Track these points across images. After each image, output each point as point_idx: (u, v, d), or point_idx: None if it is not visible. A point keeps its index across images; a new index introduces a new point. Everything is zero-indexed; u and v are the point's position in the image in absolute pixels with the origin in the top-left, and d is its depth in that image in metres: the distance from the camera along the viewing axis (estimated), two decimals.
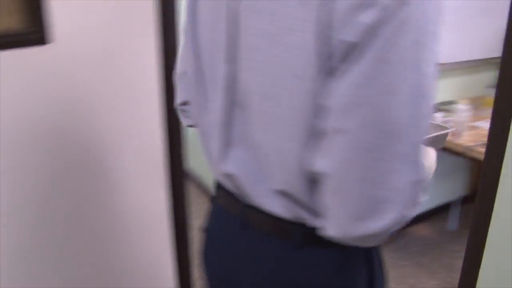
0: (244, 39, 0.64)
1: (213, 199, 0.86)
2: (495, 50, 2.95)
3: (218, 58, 0.70)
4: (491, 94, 2.63)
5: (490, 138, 1.26)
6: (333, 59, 0.54)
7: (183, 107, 0.91)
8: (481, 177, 1.30)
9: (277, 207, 0.69)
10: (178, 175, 1.68)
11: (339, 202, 0.58)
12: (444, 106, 2.57)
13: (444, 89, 2.75)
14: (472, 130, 2.21)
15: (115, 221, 1.60)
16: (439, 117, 2.22)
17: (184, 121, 0.94)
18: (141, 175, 1.61)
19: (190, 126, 0.92)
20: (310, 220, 0.67)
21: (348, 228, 0.58)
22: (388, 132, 0.53)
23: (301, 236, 0.69)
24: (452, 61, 2.67)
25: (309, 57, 0.55)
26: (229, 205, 0.78)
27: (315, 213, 0.66)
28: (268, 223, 0.71)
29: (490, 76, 3.09)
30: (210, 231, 0.86)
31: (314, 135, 0.60)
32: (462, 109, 2.11)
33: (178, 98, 0.92)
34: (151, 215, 1.68)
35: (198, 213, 2.86)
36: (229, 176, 0.73)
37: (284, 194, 0.67)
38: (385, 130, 0.53)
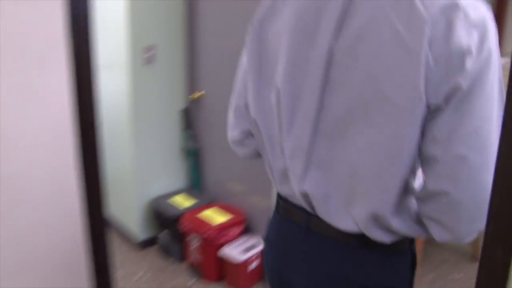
0: (340, 75, 0.77)
1: (277, 211, 0.99)
2: None
3: (309, 91, 0.81)
4: None
5: None
6: (439, 99, 0.69)
7: (242, 138, 1.01)
8: None
9: (347, 224, 0.82)
10: (98, 224, 1.54)
11: (457, 214, 0.73)
12: None
13: None
14: None
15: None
16: None
17: (241, 151, 1.04)
18: (55, 225, 1.44)
19: (246, 156, 1.04)
20: (381, 234, 0.81)
21: (462, 232, 0.75)
22: (490, 153, 0.70)
23: (359, 240, 0.82)
24: None
25: (416, 94, 0.69)
26: (294, 215, 0.92)
27: (389, 229, 0.80)
28: (330, 230, 0.85)
29: None
30: (273, 238, 1.00)
31: (415, 160, 0.75)
32: None
33: (236, 130, 1.01)
34: (69, 267, 1.50)
35: (123, 263, 2.65)
36: (305, 194, 0.85)
37: (371, 215, 0.78)
38: (488, 152, 0.70)
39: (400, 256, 0.86)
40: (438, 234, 0.77)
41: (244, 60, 0.96)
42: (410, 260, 0.88)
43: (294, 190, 0.88)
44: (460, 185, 0.71)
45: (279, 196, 0.98)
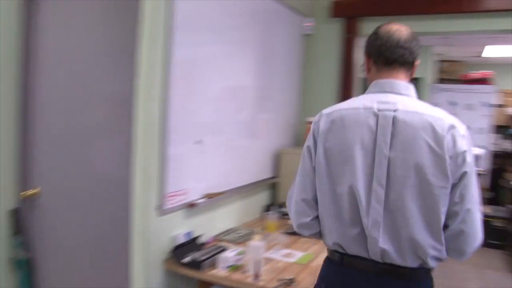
0: (395, 172, 1.32)
1: (341, 264, 1.41)
2: (266, 172, 3.08)
3: (377, 185, 1.33)
4: (268, 216, 2.71)
5: None
6: (456, 179, 1.31)
7: (312, 223, 1.46)
8: None
9: (412, 262, 1.35)
10: None
11: (468, 241, 1.33)
12: (234, 239, 2.46)
13: (224, 217, 2.66)
14: (266, 263, 2.11)
15: None
16: (230, 256, 2.05)
17: (308, 232, 1.48)
18: None
19: (312, 235, 1.49)
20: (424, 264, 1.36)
21: (469, 253, 1.35)
22: (478, 204, 1.35)
23: (410, 273, 1.35)
24: (231, 187, 2.63)
25: (446, 178, 1.30)
26: (361, 266, 1.37)
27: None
28: (393, 271, 1.35)
29: (265, 196, 3.18)
30: (337, 282, 1.43)
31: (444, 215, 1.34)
32: (257, 245, 1.99)
33: (307, 217, 1.46)
34: None
35: None
36: (382, 250, 1.33)
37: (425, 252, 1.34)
38: (478, 203, 1.34)
39: (430, 280, 1.41)
40: (455, 256, 1.37)
41: (306, 163, 1.46)
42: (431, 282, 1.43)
43: (371, 248, 1.34)
44: (469, 225, 1.32)
45: (342, 254, 1.40)
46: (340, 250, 1.40)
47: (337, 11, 3.39)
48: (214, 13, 2.30)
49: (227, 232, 2.57)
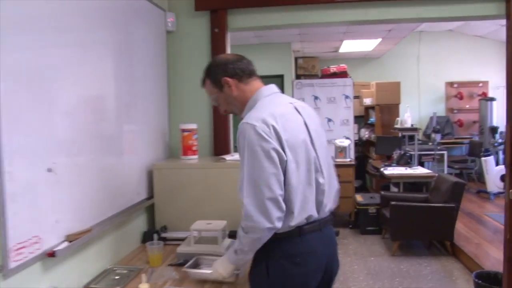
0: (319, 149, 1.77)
1: (312, 231, 1.71)
2: (140, 193, 2.61)
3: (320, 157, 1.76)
4: (150, 246, 2.25)
5: None
6: None
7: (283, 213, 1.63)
8: None
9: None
10: None
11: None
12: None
13: (96, 258, 2.15)
14: None
15: None
16: None
17: (280, 224, 1.61)
18: None
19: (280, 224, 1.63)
20: None
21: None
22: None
23: None
24: (100, 219, 2.12)
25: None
26: (326, 224, 1.78)
27: None
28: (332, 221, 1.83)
29: (142, 222, 2.71)
30: (317, 246, 1.73)
31: None
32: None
33: (281, 211, 1.61)
34: None
35: None
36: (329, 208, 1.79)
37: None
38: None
39: None
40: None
41: (274, 162, 1.60)
42: None
43: (327, 209, 1.78)
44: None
45: (309, 222, 1.70)
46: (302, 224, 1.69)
47: (201, 3, 3.06)
48: (58, 11, 1.78)
49: (102, 276, 2.07)
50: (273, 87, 1.83)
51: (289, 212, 1.63)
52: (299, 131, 1.69)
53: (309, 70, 8.81)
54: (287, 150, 1.61)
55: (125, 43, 2.41)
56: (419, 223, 4.86)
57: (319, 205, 1.72)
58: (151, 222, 2.75)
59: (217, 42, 3.04)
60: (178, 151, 2.92)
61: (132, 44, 2.49)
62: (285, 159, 1.60)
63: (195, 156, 2.86)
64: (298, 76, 8.05)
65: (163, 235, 2.55)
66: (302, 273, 1.66)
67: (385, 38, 7.22)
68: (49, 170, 1.72)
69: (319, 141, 1.76)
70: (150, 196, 2.71)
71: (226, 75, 1.79)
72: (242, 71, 1.79)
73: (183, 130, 2.84)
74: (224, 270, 1.77)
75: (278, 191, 1.58)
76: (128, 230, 2.48)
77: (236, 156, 2.83)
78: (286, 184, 1.61)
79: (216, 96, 1.86)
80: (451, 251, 4.92)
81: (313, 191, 1.70)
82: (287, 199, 1.62)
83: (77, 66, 1.93)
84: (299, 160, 1.65)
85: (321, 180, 1.71)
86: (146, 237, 2.57)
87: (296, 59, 8.29)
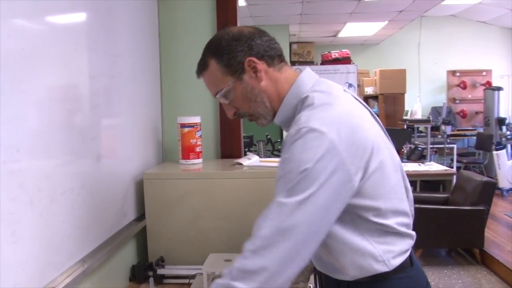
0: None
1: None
2: (128, 213, 1.87)
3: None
4: None
5: None
6: None
7: None
8: None
9: None
10: None
11: None
12: None
13: None
14: None
15: None
16: None
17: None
18: None
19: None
20: None
21: None
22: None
23: None
24: (75, 260, 1.39)
25: None
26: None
27: None
28: None
29: (131, 253, 1.98)
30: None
31: None
32: None
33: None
34: None
35: None
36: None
37: None
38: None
39: None
40: None
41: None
42: None
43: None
44: None
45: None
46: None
47: None
48: None
49: None
50: (312, 72, 1.23)
51: None
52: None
53: (304, 56, 8.14)
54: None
55: (103, 9, 1.67)
56: (443, 228, 4.26)
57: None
58: (142, 252, 2.01)
59: (225, 5, 2.31)
60: (176, 152, 2.20)
61: (111, 12, 1.75)
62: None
63: (199, 160, 2.14)
64: (292, 63, 7.36)
65: (160, 271, 1.83)
66: None
67: (392, 21, 6.59)
68: None
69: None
70: (141, 215, 1.98)
71: (251, 53, 1.15)
72: (274, 49, 1.19)
73: (183, 125, 2.11)
74: None
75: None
76: (113, 268, 1.74)
77: (254, 160, 2.12)
78: None
79: (228, 89, 1.18)
80: (480, 260, 4.34)
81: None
82: None
83: (40, 47, 1.19)
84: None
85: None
86: (137, 273, 1.86)
87: (290, 44, 7.60)
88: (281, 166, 1.04)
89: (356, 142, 1.03)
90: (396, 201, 1.14)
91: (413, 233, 1.20)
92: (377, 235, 1.10)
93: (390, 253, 1.11)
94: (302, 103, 1.13)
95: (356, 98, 1.20)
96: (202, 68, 1.22)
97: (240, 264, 0.99)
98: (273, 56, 1.18)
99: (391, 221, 1.11)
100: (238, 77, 1.16)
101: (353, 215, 1.09)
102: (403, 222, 1.15)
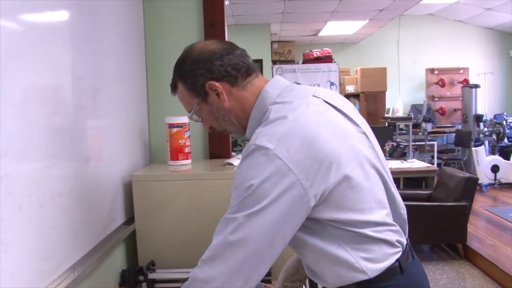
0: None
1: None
2: (116, 217, 1.83)
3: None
4: None
5: None
6: None
7: None
8: None
9: None
10: None
11: None
12: None
13: None
14: None
15: None
16: None
17: None
18: None
19: None
20: None
21: None
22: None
23: None
24: (66, 267, 1.34)
25: None
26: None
27: None
28: None
29: (120, 258, 1.93)
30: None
31: None
32: None
33: None
34: None
35: None
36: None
37: None
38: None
39: None
40: None
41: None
42: None
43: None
44: None
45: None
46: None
47: None
48: None
49: None
50: (280, 80, 1.20)
51: None
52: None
53: (285, 55, 8.14)
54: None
55: (88, 8, 1.62)
56: (427, 224, 4.30)
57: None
58: (132, 256, 1.96)
59: (212, 5, 2.27)
60: (163, 153, 2.16)
61: (97, 10, 1.70)
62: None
63: (188, 161, 2.10)
64: (273, 62, 7.35)
65: (151, 275, 1.79)
66: None
67: (372, 20, 6.63)
68: None
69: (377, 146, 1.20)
70: (130, 217, 1.93)
71: (212, 77, 1.14)
72: (236, 68, 1.15)
73: (171, 126, 2.07)
74: None
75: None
76: (102, 273, 1.69)
77: None
78: None
79: (196, 109, 1.20)
80: (463, 254, 4.40)
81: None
82: None
83: (25, 44, 1.14)
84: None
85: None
86: (127, 278, 1.81)
87: (271, 43, 7.59)
88: (234, 180, 1.04)
89: (310, 156, 0.97)
90: (368, 212, 1.05)
91: (396, 238, 1.11)
92: (353, 242, 1.05)
93: (368, 260, 1.06)
94: (263, 117, 1.11)
95: (328, 103, 1.12)
96: (173, 88, 1.25)
97: (193, 273, 1.03)
98: (235, 76, 1.15)
99: (366, 230, 1.05)
100: (203, 99, 1.17)
101: (325, 224, 1.05)
102: (378, 230, 1.07)
